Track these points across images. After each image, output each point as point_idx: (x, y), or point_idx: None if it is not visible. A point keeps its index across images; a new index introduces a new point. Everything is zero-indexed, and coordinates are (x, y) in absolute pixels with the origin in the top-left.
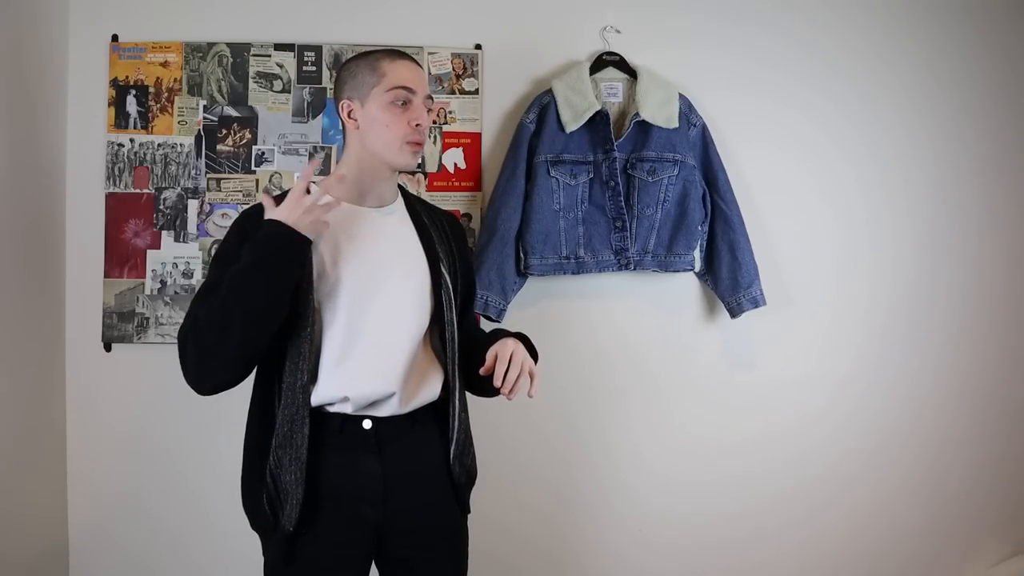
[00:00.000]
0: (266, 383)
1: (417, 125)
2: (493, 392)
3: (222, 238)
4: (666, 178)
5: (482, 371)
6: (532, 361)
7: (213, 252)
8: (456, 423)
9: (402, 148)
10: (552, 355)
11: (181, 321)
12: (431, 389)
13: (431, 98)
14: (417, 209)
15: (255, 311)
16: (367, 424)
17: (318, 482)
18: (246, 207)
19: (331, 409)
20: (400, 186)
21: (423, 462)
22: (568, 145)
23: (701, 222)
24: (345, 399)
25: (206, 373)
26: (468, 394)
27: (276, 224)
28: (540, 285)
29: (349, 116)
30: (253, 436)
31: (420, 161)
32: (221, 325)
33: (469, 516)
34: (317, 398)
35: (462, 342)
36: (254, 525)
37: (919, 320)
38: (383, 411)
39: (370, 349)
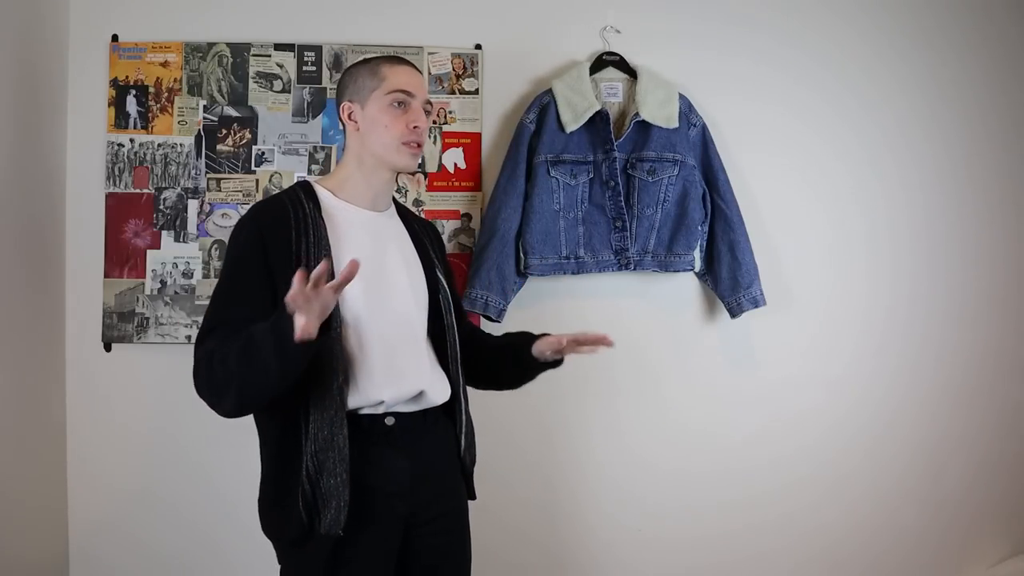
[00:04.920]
0: (294, 391)
1: (415, 127)
2: (508, 385)
3: (236, 234)
4: (666, 178)
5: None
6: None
7: (222, 251)
8: (464, 417)
9: (399, 149)
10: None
11: (181, 321)
12: (446, 388)
13: (430, 103)
14: (407, 215)
15: (264, 392)
16: (390, 421)
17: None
18: (258, 201)
19: (360, 412)
20: None
21: (439, 454)
22: (568, 145)
23: (701, 222)
24: (380, 402)
25: (221, 412)
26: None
27: (286, 327)
28: (540, 285)
29: (350, 118)
30: (280, 446)
31: (420, 161)
32: (228, 390)
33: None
34: (351, 403)
35: (465, 342)
36: (279, 535)
37: (918, 320)
38: (404, 408)
39: (394, 351)
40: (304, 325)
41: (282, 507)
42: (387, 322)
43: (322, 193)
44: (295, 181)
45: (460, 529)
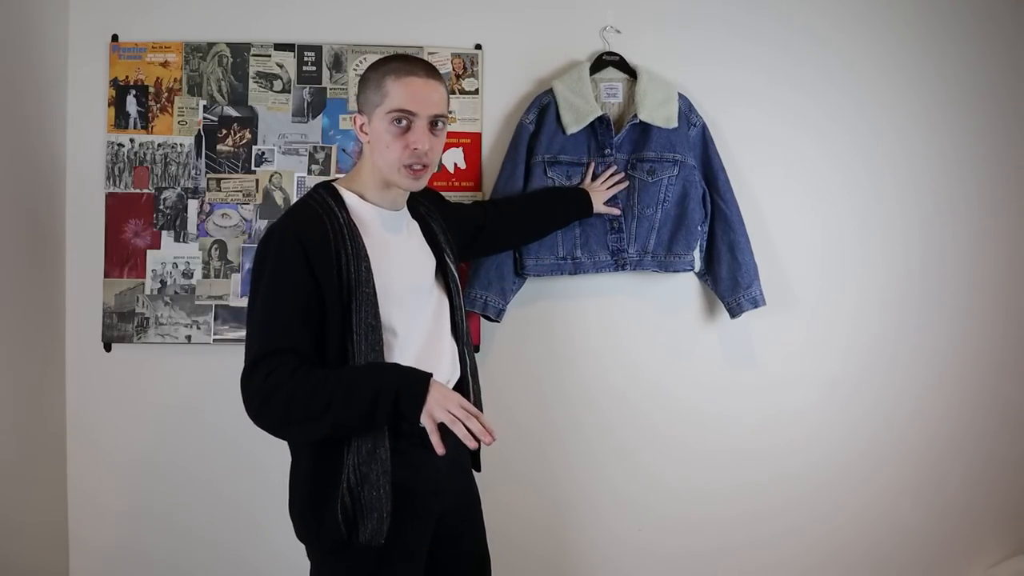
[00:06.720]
0: None
1: (414, 148)
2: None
3: (277, 251)
4: (666, 178)
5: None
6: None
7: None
8: (472, 396)
9: (400, 170)
10: (553, 355)
11: (181, 321)
12: (456, 371)
13: (443, 117)
14: (414, 202)
15: (351, 429)
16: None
17: (392, 486)
18: (290, 212)
19: None
20: None
21: (457, 442)
22: (565, 146)
23: (701, 222)
24: None
25: (282, 436)
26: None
27: (419, 391)
28: (540, 285)
29: (361, 129)
30: (320, 457)
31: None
32: (315, 425)
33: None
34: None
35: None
36: (316, 542)
37: (921, 320)
38: None
39: (429, 353)
40: (439, 444)
41: (318, 517)
42: (422, 325)
43: (350, 199)
44: (313, 184)
45: (476, 508)
